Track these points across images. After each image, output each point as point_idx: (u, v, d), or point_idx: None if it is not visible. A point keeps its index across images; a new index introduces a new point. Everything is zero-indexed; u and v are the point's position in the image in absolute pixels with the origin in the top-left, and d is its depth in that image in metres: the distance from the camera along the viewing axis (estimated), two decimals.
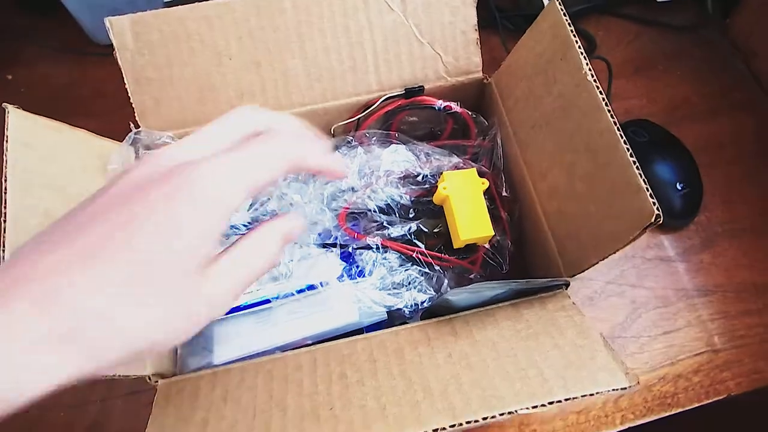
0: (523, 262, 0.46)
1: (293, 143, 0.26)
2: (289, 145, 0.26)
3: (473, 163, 0.48)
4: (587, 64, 0.37)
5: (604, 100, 0.35)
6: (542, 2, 0.62)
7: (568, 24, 0.38)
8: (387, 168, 0.47)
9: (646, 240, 0.56)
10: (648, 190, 0.32)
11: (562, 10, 0.39)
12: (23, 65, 0.66)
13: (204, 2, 0.42)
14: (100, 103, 0.64)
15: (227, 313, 0.42)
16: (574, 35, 0.38)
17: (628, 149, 0.34)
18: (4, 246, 0.33)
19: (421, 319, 0.42)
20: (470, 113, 0.47)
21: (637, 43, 0.67)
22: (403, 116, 0.48)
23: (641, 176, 0.33)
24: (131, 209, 0.22)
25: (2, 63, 0.66)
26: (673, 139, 0.58)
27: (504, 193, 0.46)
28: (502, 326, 0.37)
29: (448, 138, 0.49)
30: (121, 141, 0.43)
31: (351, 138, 0.47)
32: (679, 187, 0.55)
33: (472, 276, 0.46)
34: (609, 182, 0.35)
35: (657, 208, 0.32)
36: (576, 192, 0.38)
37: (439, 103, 0.46)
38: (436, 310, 0.41)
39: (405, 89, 0.46)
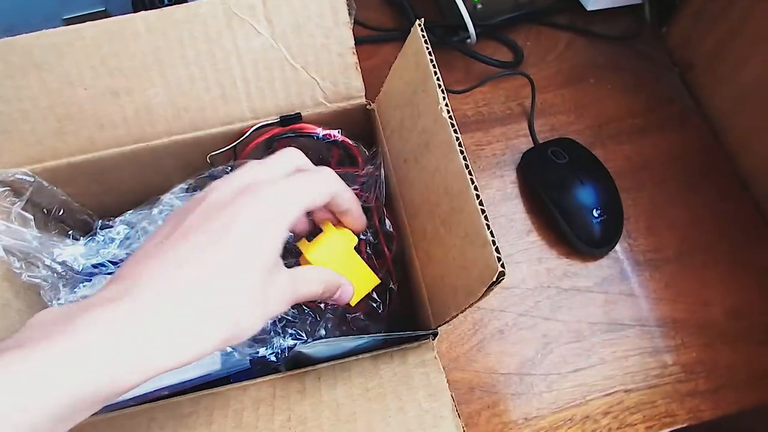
0: (404, 302, 0.43)
1: (337, 180, 0.33)
2: (334, 180, 0.33)
3: (363, 193, 0.45)
4: (444, 98, 0.33)
5: (458, 139, 0.32)
6: (460, 12, 0.59)
7: (429, 52, 0.35)
8: None
9: (563, 269, 0.53)
10: (495, 243, 0.29)
11: (423, 36, 0.35)
12: None
13: (51, 30, 0.39)
14: None
15: None
16: (434, 65, 0.34)
17: (477, 196, 0.31)
18: None
19: (287, 369, 0.39)
20: (353, 142, 0.44)
21: (567, 53, 0.63)
22: (285, 144, 0.45)
23: (488, 227, 0.30)
24: (221, 220, 0.27)
25: None
26: (594, 161, 0.55)
27: (388, 228, 0.43)
28: (354, 383, 0.34)
29: (336, 166, 0.46)
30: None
31: (231, 167, 0.44)
32: (596, 214, 0.51)
33: (354, 315, 0.43)
34: (463, 230, 0.32)
35: (501, 265, 0.29)
36: (439, 236, 0.35)
37: (319, 131, 0.43)
38: (297, 360, 0.38)
39: (280, 117, 0.43)
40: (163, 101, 0.41)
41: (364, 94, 0.43)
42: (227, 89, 0.42)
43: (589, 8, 0.63)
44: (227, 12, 0.40)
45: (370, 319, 0.43)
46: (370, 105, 0.44)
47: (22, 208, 0.42)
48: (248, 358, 0.39)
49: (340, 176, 0.44)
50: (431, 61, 0.34)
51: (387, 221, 0.43)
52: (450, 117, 0.33)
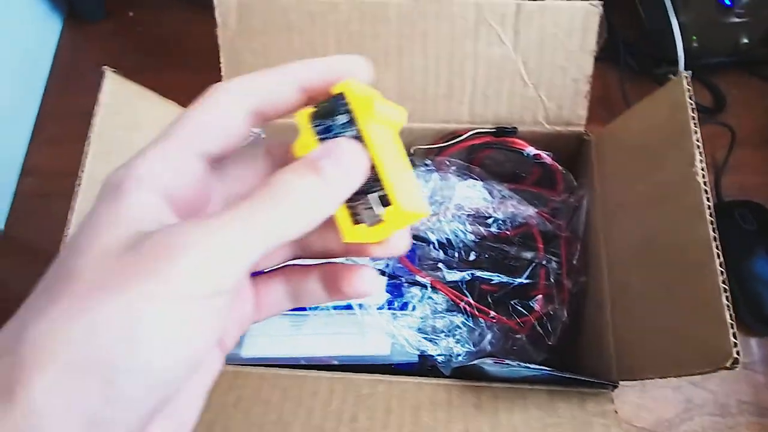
0: (575, 340, 0.43)
1: None
2: None
3: (552, 219, 0.44)
4: (701, 161, 0.32)
5: (709, 208, 0.31)
6: (677, 50, 0.56)
7: (692, 109, 0.33)
8: (458, 202, 0.44)
9: None
10: (733, 327, 0.28)
11: (689, 90, 0.34)
12: (146, 6, 0.68)
13: None
14: (205, 56, 0.65)
15: None
16: (695, 124, 0.33)
17: (722, 272, 0.30)
18: (73, 211, 0.34)
19: (451, 374, 0.40)
20: (561, 168, 0.43)
21: None
22: (489, 152, 0.45)
23: (729, 308, 0.29)
24: None
25: (129, 0, 0.68)
26: None
27: (574, 262, 0.43)
28: (531, 414, 0.35)
29: (531, 185, 0.46)
30: None
31: (429, 162, 0.45)
32: None
33: (517, 336, 0.43)
34: (691, 302, 0.31)
35: (737, 353, 0.28)
36: (651, 296, 0.34)
37: (529, 150, 0.43)
38: (468, 370, 0.39)
39: (496, 127, 0.43)
40: (392, 87, 0.42)
41: (584, 123, 0.43)
42: (454, 89, 0.42)
43: None
44: (479, 15, 0.40)
45: (534, 344, 0.43)
46: (588, 135, 0.43)
47: None
48: (418, 353, 0.41)
49: (530, 196, 0.45)
50: (693, 118, 0.33)
51: (577, 255, 0.42)
52: (705, 183, 0.32)
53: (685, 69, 0.57)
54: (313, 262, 0.22)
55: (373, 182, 0.19)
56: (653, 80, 0.60)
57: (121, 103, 0.38)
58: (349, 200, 0.19)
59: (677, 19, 0.56)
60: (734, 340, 0.28)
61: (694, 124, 0.33)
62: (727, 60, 0.59)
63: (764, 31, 0.57)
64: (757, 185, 0.56)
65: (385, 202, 0.18)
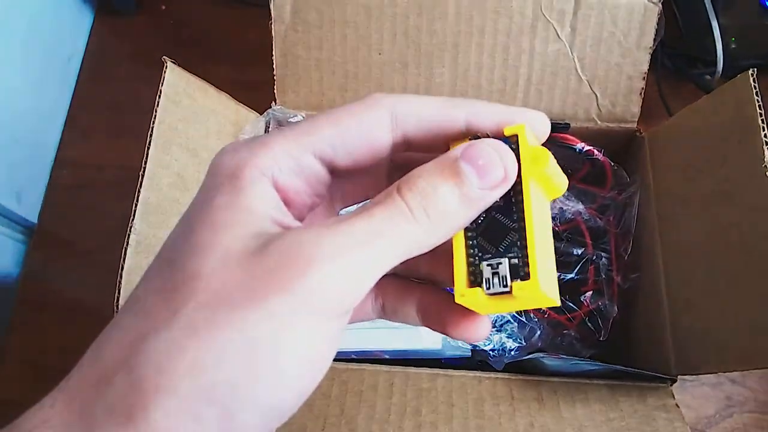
0: (625, 334, 0.43)
1: None
2: None
3: (599, 215, 0.45)
4: None
5: None
6: (716, 48, 0.56)
7: (759, 106, 0.34)
8: None
9: None
10: None
11: (755, 87, 0.34)
12: None
13: None
14: (236, 50, 0.65)
15: None
16: (763, 120, 0.33)
17: None
18: (137, 201, 0.34)
19: (504, 368, 0.40)
20: (612, 164, 0.43)
21: None
22: None
23: None
24: None
25: None
26: None
27: (626, 257, 0.43)
28: (593, 408, 0.35)
29: (580, 181, 0.46)
30: (251, 98, 0.43)
31: None
32: None
33: (565, 332, 0.43)
34: (759, 298, 0.31)
35: None
36: (716, 290, 0.35)
37: (581, 146, 0.43)
38: (523, 365, 0.39)
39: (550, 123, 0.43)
40: (444, 82, 0.42)
41: (637, 120, 0.43)
42: (508, 85, 0.42)
43: None
44: (536, 12, 0.40)
45: (583, 341, 0.43)
46: (640, 132, 0.43)
47: None
48: (470, 347, 0.41)
49: (578, 193, 0.45)
50: (761, 115, 0.33)
51: (628, 252, 0.42)
52: None
53: (722, 71, 0.57)
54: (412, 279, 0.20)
55: (511, 245, 0.16)
56: (688, 80, 0.61)
57: (180, 94, 0.38)
58: (476, 253, 0.17)
59: (717, 21, 0.56)
60: None
61: (762, 120, 0.33)
62: (760, 63, 0.60)
63: None
64: None
65: (517, 273, 0.16)
